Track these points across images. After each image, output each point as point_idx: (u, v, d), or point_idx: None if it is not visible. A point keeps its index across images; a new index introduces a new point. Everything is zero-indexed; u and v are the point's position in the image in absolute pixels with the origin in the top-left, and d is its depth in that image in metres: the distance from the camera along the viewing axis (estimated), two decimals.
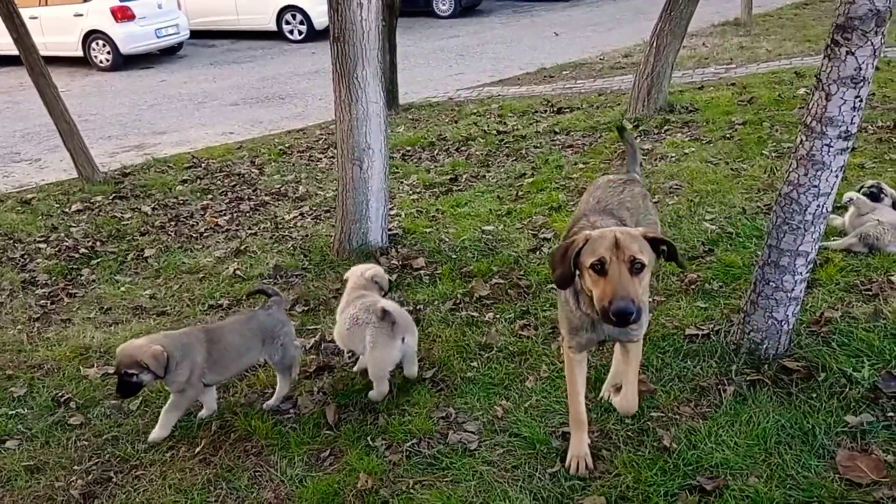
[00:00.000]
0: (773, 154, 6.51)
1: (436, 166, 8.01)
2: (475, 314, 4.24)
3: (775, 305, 3.33)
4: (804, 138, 3.10)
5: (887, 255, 4.33)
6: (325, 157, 8.89)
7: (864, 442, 2.89)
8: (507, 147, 8.34)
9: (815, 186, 3.11)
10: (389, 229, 5.42)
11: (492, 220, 5.79)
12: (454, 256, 5.07)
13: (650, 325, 3.87)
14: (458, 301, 4.42)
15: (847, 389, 3.18)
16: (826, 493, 2.65)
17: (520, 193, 6.47)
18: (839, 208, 4.78)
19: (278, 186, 7.77)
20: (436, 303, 4.43)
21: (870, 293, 3.96)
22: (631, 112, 8.66)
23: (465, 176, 7.39)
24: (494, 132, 9.08)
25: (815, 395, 3.18)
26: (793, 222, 3.19)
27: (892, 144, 6.37)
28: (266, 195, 7.54)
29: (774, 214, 3.29)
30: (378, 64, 4.86)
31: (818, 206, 3.14)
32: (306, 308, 4.58)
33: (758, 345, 3.42)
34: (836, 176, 3.10)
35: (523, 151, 8.04)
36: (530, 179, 6.82)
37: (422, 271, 4.87)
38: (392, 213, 6.30)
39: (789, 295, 3.31)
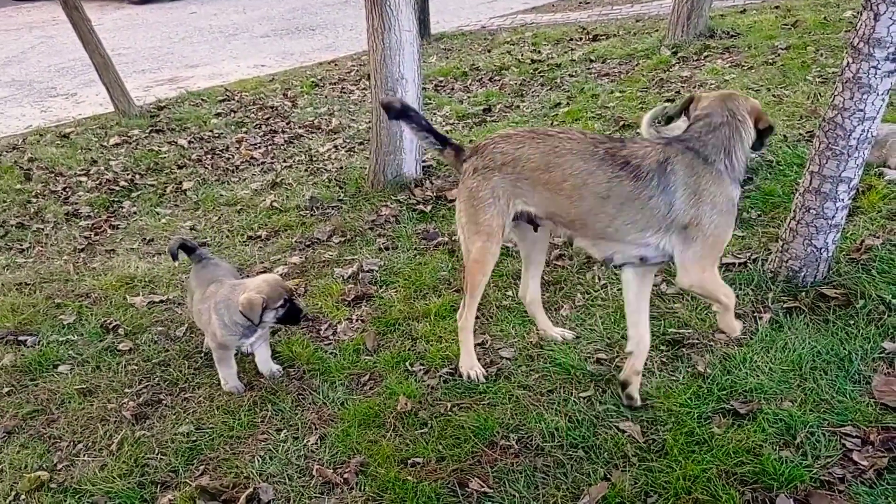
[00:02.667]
0: (818, 79, 6.31)
1: (469, 97, 7.92)
2: (509, 245, 4.26)
3: (815, 233, 3.29)
4: (850, 60, 3.01)
5: None
6: (357, 88, 8.84)
7: None
8: (541, 76, 8.20)
9: (861, 110, 3.03)
10: (424, 161, 5.42)
11: None
12: None
13: None
14: None
15: (885, 316, 3.17)
16: (861, 416, 2.68)
17: (555, 123, 6.39)
18: None
19: (311, 119, 7.77)
20: None
21: None
22: (669, 38, 8.41)
23: (498, 106, 7.31)
24: (528, 61, 8.92)
25: (852, 322, 3.17)
26: (836, 147, 3.13)
27: None
28: (299, 128, 7.55)
29: (817, 140, 3.22)
30: None
31: (863, 130, 3.07)
32: (343, 239, 4.64)
33: (796, 272, 3.40)
34: (883, 100, 3.02)
35: (558, 80, 7.90)
36: (566, 109, 6.72)
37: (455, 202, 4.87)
38: None
39: (830, 222, 3.27)
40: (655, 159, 2.62)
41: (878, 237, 3.74)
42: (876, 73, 2.95)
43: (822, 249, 3.33)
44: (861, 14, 2.96)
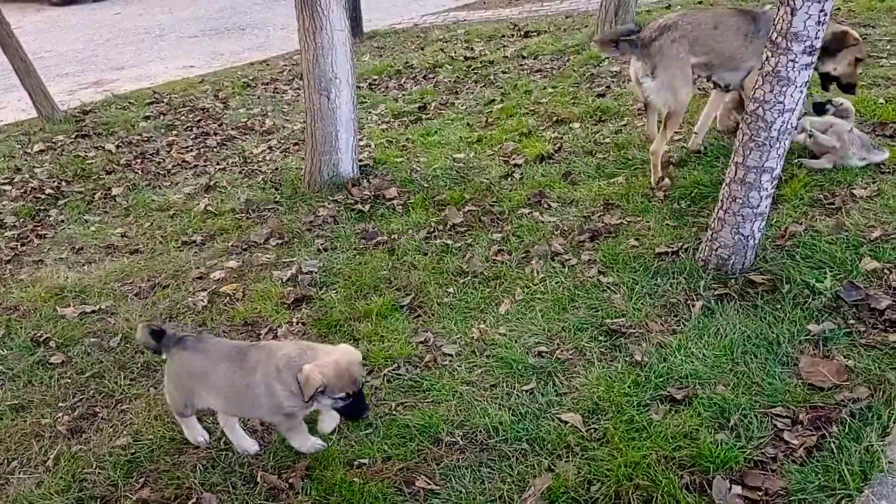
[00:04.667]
0: None
1: (404, 95, 7.92)
2: (449, 241, 4.29)
3: (742, 221, 3.41)
4: (770, 54, 3.12)
5: (850, 169, 4.42)
6: (290, 88, 8.74)
7: (826, 349, 3.02)
8: (475, 73, 8.26)
9: (781, 103, 3.15)
10: (360, 160, 5.40)
11: (463, 148, 5.78)
12: (426, 185, 5.08)
13: (622, 245, 3.96)
14: (432, 229, 4.45)
15: (810, 300, 3.30)
16: (790, 397, 2.79)
17: (489, 120, 6.44)
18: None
19: (244, 120, 7.65)
20: (410, 232, 4.47)
21: (833, 207, 4.06)
22: (598, 34, 8.56)
23: (433, 104, 7.33)
24: (462, 58, 8.96)
25: (779, 307, 3.29)
26: (759, 139, 3.24)
27: None
28: (232, 129, 7.42)
29: (741, 132, 3.34)
30: None
31: (783, 122, 3.19)
32: (281, 241, 4.58)
33: (725, 260, 3.51)
34: (801, 91, 3.15)
35: (491, 77, 7.96)
36: (500, 106, 6.79)
37: (394, 201, 4.88)
38: (362, 143, 6.26)
39: (755, 211, 3.38)
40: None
41: (800, 224, 3.90)
42: (794, 67, 3.07)
43: (749, 237, 3.45)
44: (779, 9, 3.08)
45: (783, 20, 3.03)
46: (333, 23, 4.77)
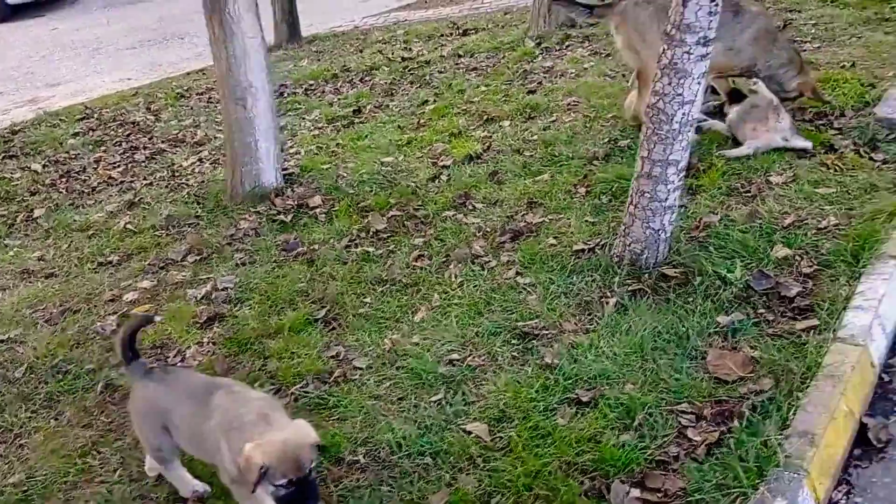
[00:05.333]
0: None
1: (339, 99, 7.81)
2: (371, 249, 4.21)
3: (651, 216, 3.38)
4: (666, 47, 3.10)
5: (768, 155, 4.44)
6: None
7: (735, 340, 3.01)
8: (411, 74, 8.18)
9: (680, 95, 3.13)
10: (285, 169, 5.30)
11: (392, 151, 5.71)
12: (352, 192, 5.00)
13: (541, 244, 3.92)
14: (353, 237, 4.37)
15: (721, 291, 3.29)
16: (696, 392, 2.76)
17: (421, 122, 6.37)
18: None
19: (175, 132, 7.48)
20: (332, 241, 4.38)
21: (749, 195, 4.07)
22: (533, 30, 8.55)
23: (368, 107, 7.24)
24: (399, 59, 8.87)
25: (691, 300, 3.28)
26: (661, 132, 3.22)
27: None
28: (162, 142, 7.26)
29: (645, 126, 3.31)
30: None
31: (684, 114, 3.17)
32: (199, 257, 4.47)
33: (638, 255, 3.49)
34: (699, 83, 3.13)
35: (427, 77, 7.89)
36: (432, 106, 6.72)
37: (318, 209, 4.79)
38: (292, 151, 6.17)
39: (664, 204, 3.36)
40: None
41: (716, 214, 3.89)
42: (689, 58, 3.05)
43: (660, 231, 3.43)
44: (672, 2, 3.05)
45: (676, 12, 3.01)
46: (244, 30, 4.67)
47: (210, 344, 3.56)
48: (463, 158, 5.31)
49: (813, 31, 6.69)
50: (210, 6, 4.62)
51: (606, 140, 5.16)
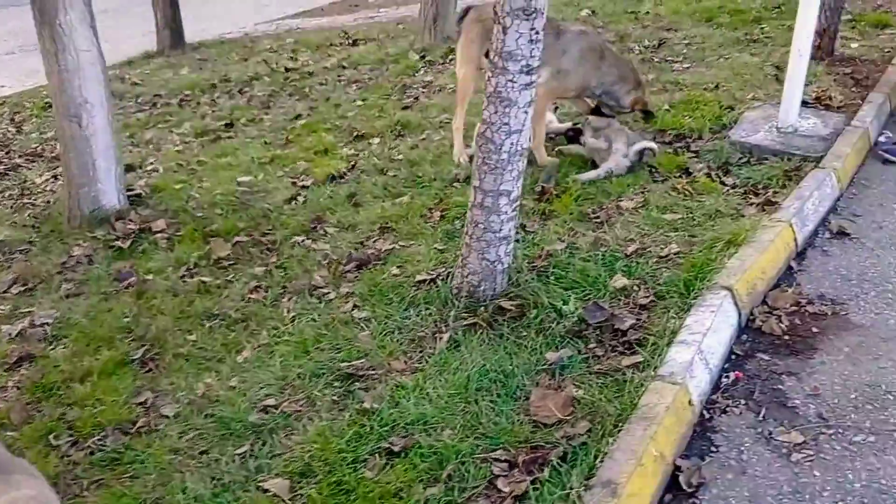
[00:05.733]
0: None
1: (214, 111, 7.48)
2: (208, 279, 3.96)
3: (486, 247, 3.26)
4: (490, 75, 2.98)
5: (623, 178, 4.42)
6: None
7: (561, 378, 2.90)
8: (291, 86, 7.93)
9: (506, 124, 3.02)
10: (132, 189, 4.98)
11: (253, 170, 5.45)
12: (200, 215, 4.72)
13: (384, 274, 3.75)
14: (192, 266, 4.11)
15: (555, 324, 3.19)
16: (513, 437, 2.64)
17: (290, 138, 6.14)
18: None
19: (35, 146, 7.01)
20: (168, 270, 4.10)
21: (598, 221, 4.01)
22: (419, 42, 8.43)
23: (241, 120, 6.95)
24: (282, 70, 8.61)
25: (524, 334, 3.17)
26: (491, 162, 3.10)
27: (653, 64, 6.52)
28: (19, 157, 6.77)
29: (475, 155, 3.19)
30: (85, 7, 4.34)
31: (511, 144, 3.06)
32: (24, 288, 4.11)
33: (476, 287, 3.36)
34: (526, 112, 3.02)
35: (307, 90, 7.66)
36: (304, 121, 6.50)
37: (160, 234, 4.50)
38: (150, 168, 5.84)
39: (498, 235, 3.25)
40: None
41: (563, 241, 3.81)
42: (513, 87, 2.94)
43: (496, 262, 3.31)
44: (495, 28, 2.94)
45: (497, 39, 2.90)
46: (77, 43, 4.34)
47: (14, 389, 3.25)
48: (324, 178, 5.11)
49: (685, 51, 6.79)
50: (40, 17, 4.29)
51: (471, 160, 5.05)
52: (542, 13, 2.83)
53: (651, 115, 4.90)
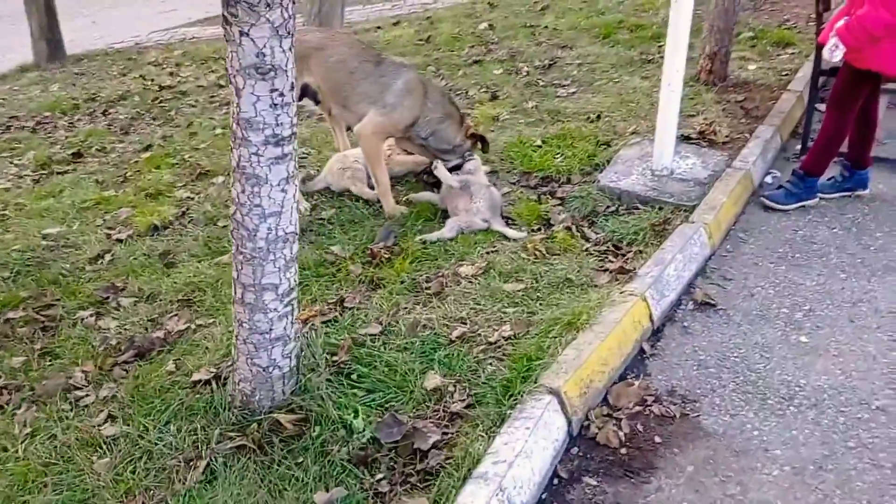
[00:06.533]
0: None
1: (67, 137, 6.71)
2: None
3: (255, 350, 2.64)
4: (232, 146, 2.35)
5: (470, 237, 3.84)
6: None
7: None
8: (158, 107, 7.21)
9: (258, 206, 2.39)
10: None
11: (68, 218, 4.73)
12: None
13: (159, 371, 3.10)
14: None
15: (340, 446, 2.58)
16: None
17: (129, 174, 5.44)
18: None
19: None
20: None
21: (430, 292, 3.42)
22: None
23: (92, 149, 6.23)
24: (156, 88, 7.87)
25: (300, 461, 2.55)
26: (246, 251, 2.47)
27: (537, 88, 5.98)
28: None
29: (232, 242, 2.56)
30: None
31: (269, 229, 2.44)
32: None
33: (250, 396, 2.74)
34: (283, 191, 2.40)
35: (173, 112, 6.96)
36: (153, 152, 5.79)
37: None
38: None
39: (268, 336, 2.62)
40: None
41: (381, 322, 3.21)
42: (259, 161, 2.32)
43: (271, 368, 2.68)
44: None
45: (233, 103, 2.27)
46: None
47: None
48: (146, 229, 4.44)
49: (574, 72, 6.26)
50: None
51: (312, 208, 4.42)
52: (285, 70, 2.21)
53: (486, 142, 4.39)
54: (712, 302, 3.42)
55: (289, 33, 2.16)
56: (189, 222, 4.49)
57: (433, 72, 6.76)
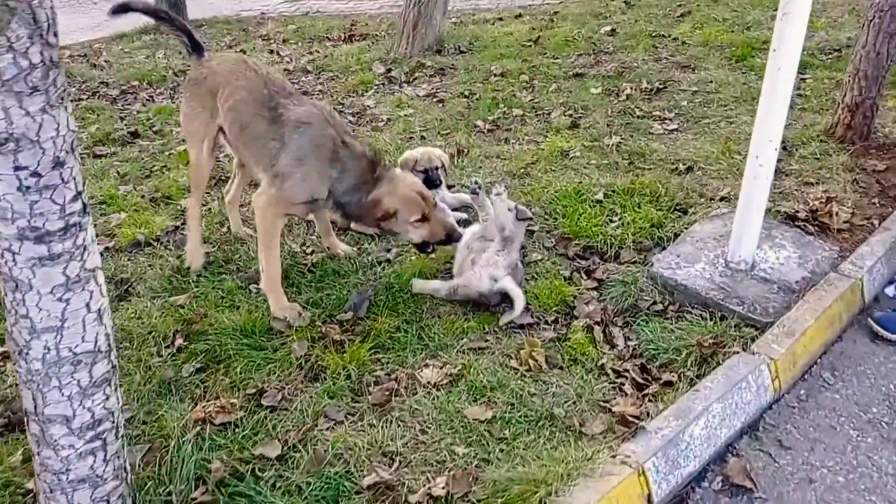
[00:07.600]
0: (489, 124, 5.09)
1: (140, 112, 6.42)
2: None
3: (50, 492, 1.96)
4: None
5: (466, 317, 3.01)
6: None
7: None
8: None
9: (26, 317, 1.69)
10: None
11: None
12: None
13: None
14: None
15: None
16: None
17: (156, 168, 4.99)
18: None
19: None
20: None
21: (372, 403, 2.63)
22: (394, 50, 7.05)
23: (152, 129, 5.90)
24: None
25: None
26: (21, 372, 1.79)
27: (631, 118, 4.94)
28: None
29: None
30: None
31: (46, 347, 1.74)
32: None
33: None
34: (63, 301, 1.70)
35: None
36: (184, 146, 5.29)
37: None
38: None
39: (65, 478, 1.94)
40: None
41: (289, 442, 2.47)
42: (16, 261, 1.61)
43: None
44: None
45: None
46: None
47: None
48: (127, 244, 3.95)
49: (684, 103, 5.19)
50: None
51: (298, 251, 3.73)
52: (35, 142, 1.48)
53: (429, 249, 3.26)
54: (750, 485, 2.39)
55: (35, 89, 1.43)
56: (173, 242, 3.92)
57: (525, 82, 5.84)
